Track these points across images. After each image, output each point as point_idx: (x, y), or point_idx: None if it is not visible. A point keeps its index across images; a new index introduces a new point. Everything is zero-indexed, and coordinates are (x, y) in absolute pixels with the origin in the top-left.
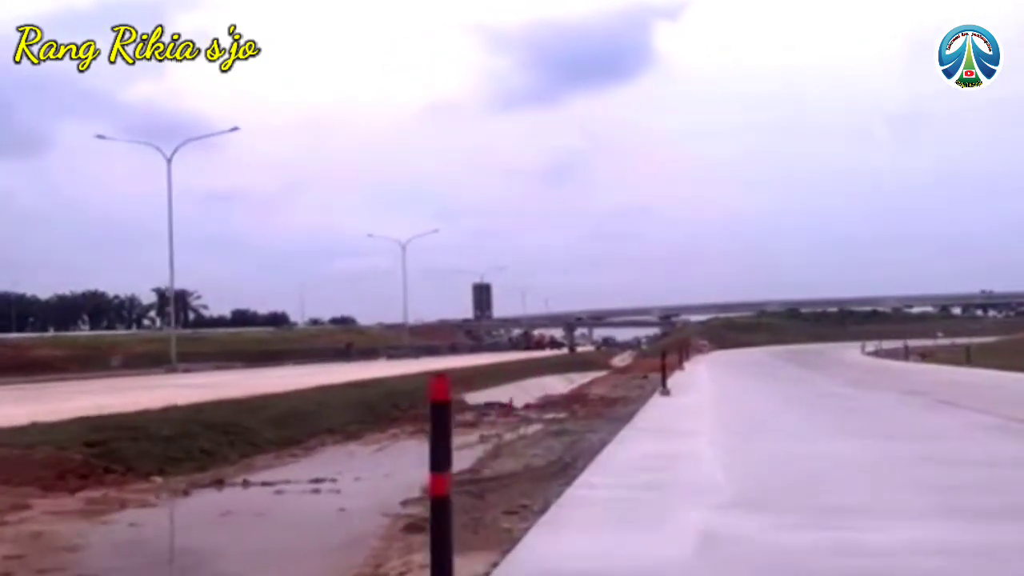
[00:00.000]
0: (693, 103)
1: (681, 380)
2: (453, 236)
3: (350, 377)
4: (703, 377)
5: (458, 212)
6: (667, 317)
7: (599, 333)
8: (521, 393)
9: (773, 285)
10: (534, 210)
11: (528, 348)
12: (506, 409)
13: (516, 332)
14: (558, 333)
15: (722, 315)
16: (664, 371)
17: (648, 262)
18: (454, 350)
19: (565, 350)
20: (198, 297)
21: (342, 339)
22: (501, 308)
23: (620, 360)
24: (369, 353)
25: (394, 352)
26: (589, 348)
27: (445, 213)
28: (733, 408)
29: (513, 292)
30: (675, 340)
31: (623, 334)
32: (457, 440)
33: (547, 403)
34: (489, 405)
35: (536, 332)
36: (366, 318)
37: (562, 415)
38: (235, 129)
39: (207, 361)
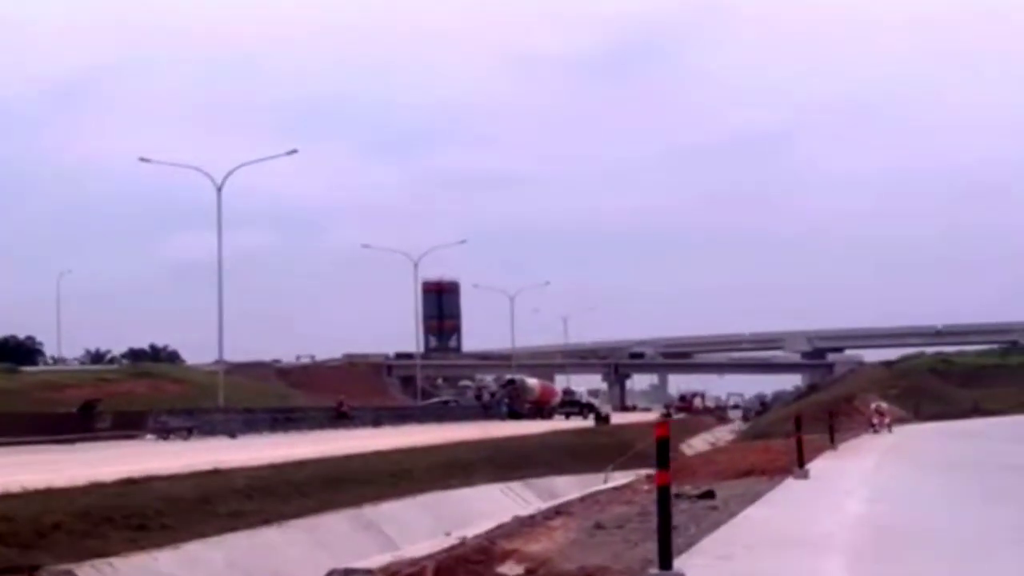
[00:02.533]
0: None
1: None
2: (398, 191)
3: None
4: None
5: (410, 138)
6: (819, 352)
7: (682, 383)
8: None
9: None
10: (561, 132)
11: (514, 414)
12: None
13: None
14: (594, 381)
15: (929, 348)
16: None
17: (784, 245)
18: (342, 416)
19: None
20: None
21: (108, 392)
22: (483, 332)
23: (709, 439)
24: (131, 422)
25: (175, 423)
26: (650, 413)
27: (391, 144)
28: None
29: (505, 303)
30: (811, 403)
31: (734, 386)
32: None
33: None
34: None
35: (532, 382)
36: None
37: None
38: None
39: None
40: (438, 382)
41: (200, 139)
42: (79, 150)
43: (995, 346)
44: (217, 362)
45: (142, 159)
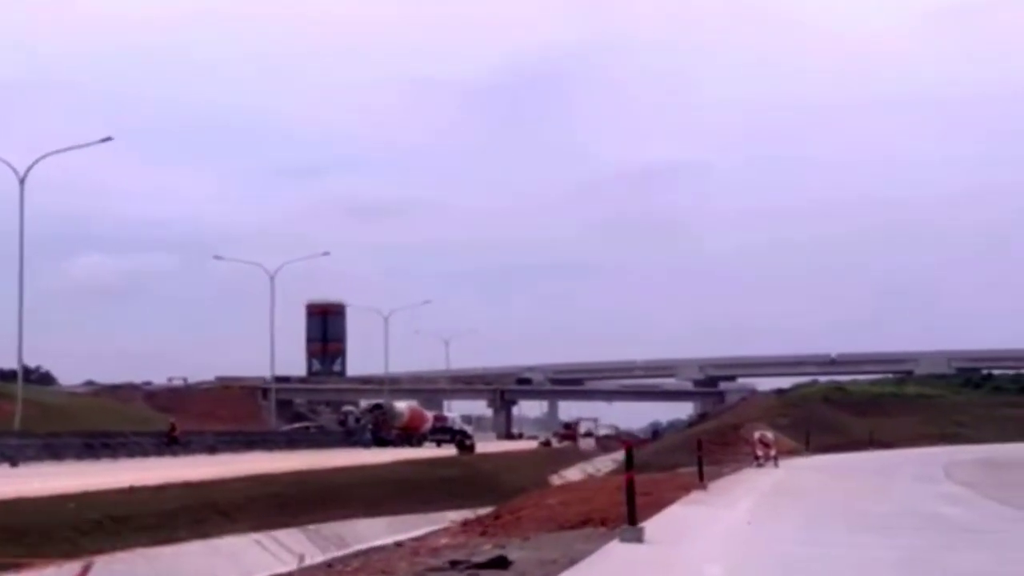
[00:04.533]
0: None
1: None
2: (295, 214)
3: None
4: None
5: (310, 163)
6: (712, 380)
7: (574, 410)
8: None
9: (927, 328)
10: (457, 162)
11: (381, 441)
12: None
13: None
14: (480, 408)
15: (823, 378)
16: None
17: (682, 276)
18: (173, 442)
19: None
20: None
21: None
22: (373, 356)
23: (588, 469)
24: None
25: None
26: (533, 442)
27: (291, 168)
28: None
29: (401, 328)
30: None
31: (626, 414)
32: None
33: None
34: None
35: (400, 406)
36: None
37: None
38: None
39: None
40: (319, 407)
41: (104, 160)
42: None
43: (890, 376)
44: (88, 383)
45: None
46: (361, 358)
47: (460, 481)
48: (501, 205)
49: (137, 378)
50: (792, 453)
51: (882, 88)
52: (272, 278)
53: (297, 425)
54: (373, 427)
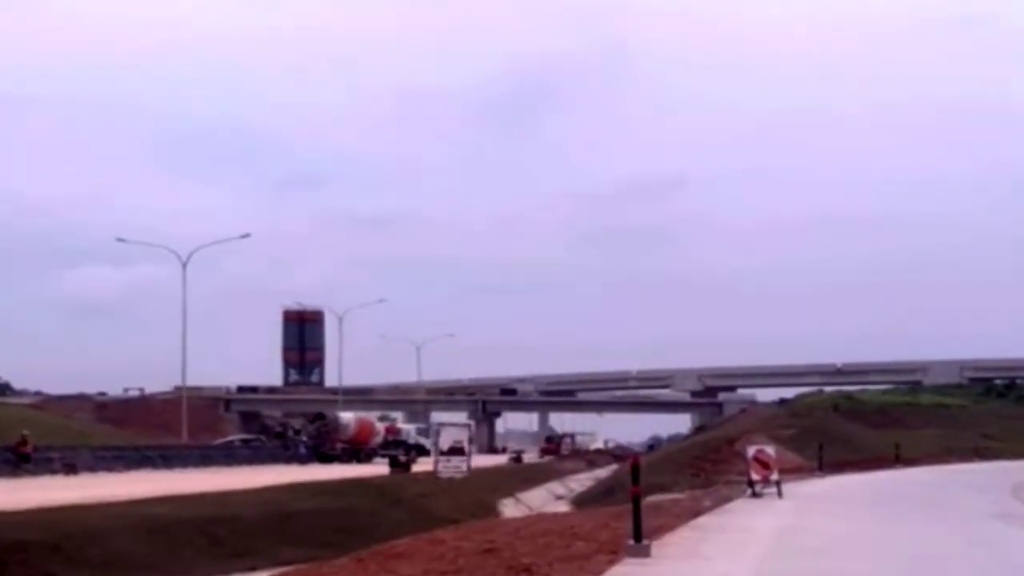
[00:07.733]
0: None
1: None
2: (286, 227)
3: None
4: None
5: (302, 175)
6: (711, 391)
7: (567, 423)
8: None
9: (938, 333)
10: (450, 175)
11: (324, 456)
12: None
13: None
14: (461, 420)
15: (828, 387)
16: None
17: (679, 286)
18: (23, 459)
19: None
20: None
21: None
22: (351, 368)
23: (559, 490)
24: None
25: None
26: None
27: (282, 181)
28: None
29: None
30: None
31: (628, 429)
32: None
33: None
34: None
35: (347, 417)
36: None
37: None
38: None
39: None
40: (294, 418)
41: (97, 174)
42: None
43: (902, 386)
44: (37, 393)
45: None
46: (345, 368)
47: (354, 515)
48: (493, 216)
49: (89, 388)
50: (800, 472)
51: (887, 99)
52: (184, 265)
53: (232, 438)
54: (314, 440)
